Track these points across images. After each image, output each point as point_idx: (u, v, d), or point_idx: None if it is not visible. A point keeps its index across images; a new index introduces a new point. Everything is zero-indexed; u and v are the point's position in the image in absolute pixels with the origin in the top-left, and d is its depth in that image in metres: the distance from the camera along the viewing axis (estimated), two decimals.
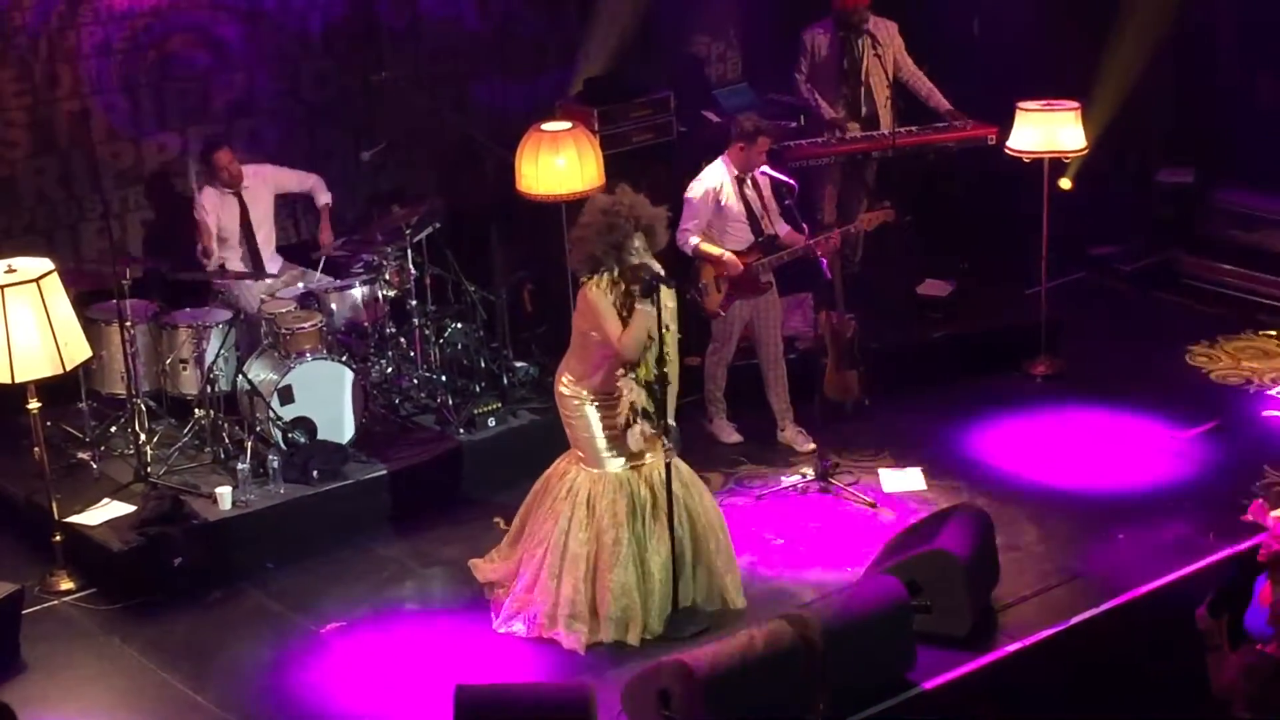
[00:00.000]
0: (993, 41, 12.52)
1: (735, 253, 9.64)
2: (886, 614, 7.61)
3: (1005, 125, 10.88)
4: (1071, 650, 8.05)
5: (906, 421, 10.25)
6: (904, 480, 9.56)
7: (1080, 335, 11.25)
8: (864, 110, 11.22)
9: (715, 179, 9.65)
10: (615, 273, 7.91)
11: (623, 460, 8.13)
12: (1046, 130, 10.67)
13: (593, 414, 8.11)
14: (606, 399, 8.07)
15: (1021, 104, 10.76)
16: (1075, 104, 10.74)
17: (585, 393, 8.11)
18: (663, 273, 7.88)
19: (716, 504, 8.47)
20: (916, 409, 10.37)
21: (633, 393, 7.98)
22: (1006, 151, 10.85)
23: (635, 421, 7.99)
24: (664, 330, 7.89)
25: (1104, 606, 8.29)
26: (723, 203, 9.62)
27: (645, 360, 7.95)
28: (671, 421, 8.01)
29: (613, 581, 8.05)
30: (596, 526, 8.08)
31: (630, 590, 8.08)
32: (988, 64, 12.27)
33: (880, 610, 7.61)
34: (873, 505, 9.27)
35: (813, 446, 9.83)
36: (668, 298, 7.96)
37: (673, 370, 8.03)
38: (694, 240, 9.60)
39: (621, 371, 7.99)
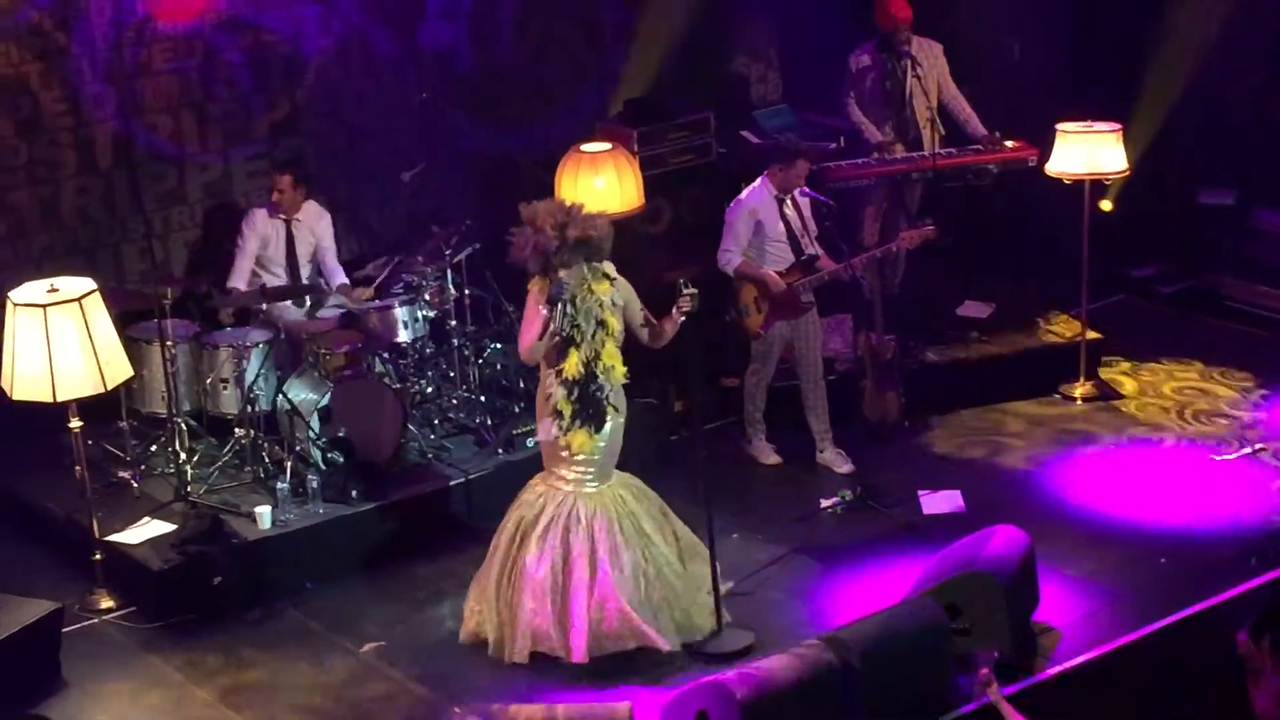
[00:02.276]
0: (1034, 63, 12.49)
1: (776, 273, 9.64)
2: (924, 637, 7.58)
3: (1046, 147, 10.86)
4: (1112, 674, 8.00)
5: (946, 443, 10.22)
6: (943, 502, 9.53)
7: (1120, 358, 11.23)
8: (911, 133, 11.21)
9: (755, 199, 9.66)
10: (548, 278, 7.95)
11: (544, 473, 8.20)
12: (1087, 152, 10.63)
13: (540, 418, 8.18)
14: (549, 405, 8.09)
15: (1062, 126, 10.74)
16: (1116, 125, 10.71)
17: (545, 397, 8.14)
18: (568, 284, 7.86)
19: (676, 540, 8.25)
20: (956, 430, 10.35)
21: (551, 387, 8.00)
22: (1047, 173, 10.83)
23: (551, 415, 8.02)
24: (598, 327, 7.91)
25: (1145, 630, 8.24)
26: (763, 223, 9.63)
27: (570, 358, 7.94)
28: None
29: (487, 589, 8.17)
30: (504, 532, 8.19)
31: (494, 603, 8.13)
32: (1029, 86, 12.25)
33: (918, 633, 7.58)
34: (912, 527, 9.24)
35: (852, 468, 9.81)
36: (611, 295, 7.98)
37: (614, 363, 8.00)
38: (735, 261, 9.62)
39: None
